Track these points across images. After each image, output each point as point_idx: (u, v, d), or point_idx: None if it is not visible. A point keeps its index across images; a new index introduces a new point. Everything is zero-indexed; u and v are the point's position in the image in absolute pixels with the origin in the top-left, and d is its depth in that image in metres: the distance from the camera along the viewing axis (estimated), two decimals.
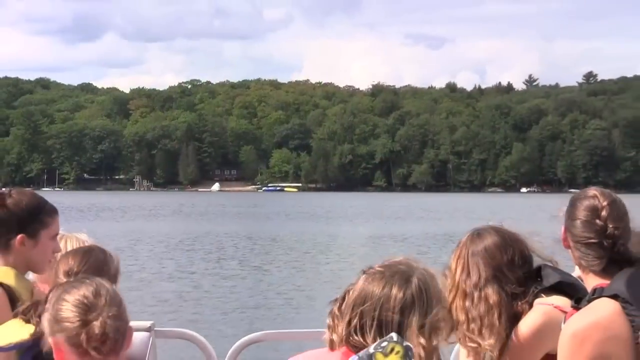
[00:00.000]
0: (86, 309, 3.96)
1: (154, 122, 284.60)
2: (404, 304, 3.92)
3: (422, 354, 3.89)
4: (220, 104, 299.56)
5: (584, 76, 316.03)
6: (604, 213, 4.64)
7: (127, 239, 55.29)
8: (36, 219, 5.87)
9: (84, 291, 4.04)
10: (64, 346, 3.99)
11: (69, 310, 3.98)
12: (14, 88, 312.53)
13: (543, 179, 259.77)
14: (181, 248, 55.10)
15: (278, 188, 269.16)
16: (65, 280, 4.90)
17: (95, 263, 5.19)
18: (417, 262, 4.16)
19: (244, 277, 37.91)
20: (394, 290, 3.93)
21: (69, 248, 5.82)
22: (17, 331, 5.00)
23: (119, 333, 3.99)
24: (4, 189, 6.07)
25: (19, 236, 5.74)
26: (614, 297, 4.43)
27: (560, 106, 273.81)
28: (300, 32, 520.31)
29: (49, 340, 4.10)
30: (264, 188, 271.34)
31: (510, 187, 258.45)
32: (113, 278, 5.17)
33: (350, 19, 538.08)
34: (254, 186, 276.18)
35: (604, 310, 4.43)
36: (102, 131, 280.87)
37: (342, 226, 75.98)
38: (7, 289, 5.51)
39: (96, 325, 3.93)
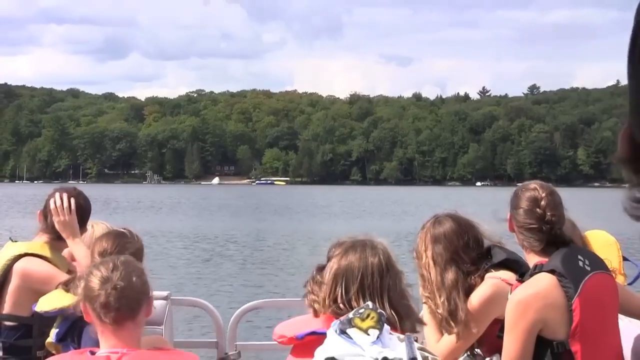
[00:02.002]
0: (103, 282, 4.02)
1: (164, 126, 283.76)
2: (380, 268, 4.03)
3: (405, 313, 4.01)
4: (221, 110, 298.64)
5: (529, 88, 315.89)
6: (543, 203, 4.74)
7: (146, 224, 55.11)
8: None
9: (105, 267, 4.11)
10: (90, 311, 4.06)
11: (93, 281, 4.05)
12: (48, 97, 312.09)
13: (495, 175, 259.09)
14: (191, 231, 55.01)
15: (269, 181, 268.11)
16: (99, 259, 5.01)
17: (123, 244, 5.24)
18: (374, 236, 4.29)
19: (244, 254, 37.86)
20: (370, 259, 4.04)
21: (97, 233, 5.85)
22: (60, 299, 5.07)
23: (131, 299, 4.05)
24: (62, 186, 6.11)
25: (83, 228, 5.83)
26: (552, 272, 4.54)
27: (509, 113, 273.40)
28: (292, 52, 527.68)
29: (81, 305, 4.16)
30: (257, 181, 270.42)
31: (467, 181, 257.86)
32: (138, 255, 5.23)
33: (333, 41, 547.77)
34: (248, 180, 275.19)
35: (543, 283, 4.54)
36: (120, 133, 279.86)
37: (323, 215, 75.74)
38: (46, 260, 5.57)
39: (102, 295, 3.99)
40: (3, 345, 5.56)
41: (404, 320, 4.04)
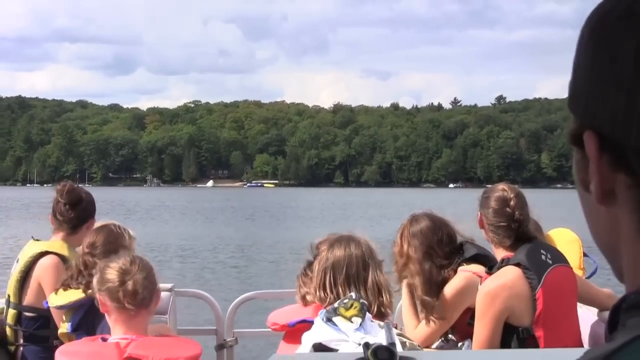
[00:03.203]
0: (123, 273, 4.09)
1: (163, 133, 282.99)
2: (363, 259, 4.11)
3: (385, 300, 4.08)
4: (215, 119, 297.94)
5: (496, 98, 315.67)
6: (512, 203, 4.78)
7: (147, 222, 55.10)
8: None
9: (123, 261, 4.18)
10: (107, 301, 4.11)
11: (111, 274, 4.10)
12: (59, 107, 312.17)
13: (466, 177, 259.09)
14: (191, 227, 55.12)
15: (259, 184, 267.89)
16: (87, 251, 5.14)
17: (110, 237, 5.25)
18: (356, 232, 4.38)
19: (241, 251, 37.82)
20: (354, 251, 4.13)
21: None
22: (70, 294, 5.10)
23: (148, 291, 4.12)
24: (62, 183, 6.11)
25: (91, 220, 5.85)
26: (517, 265, 4.60)
27: (479, 120, 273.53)
28: (282, 67, 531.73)
29: (97, 296, 4.22)
30: (248, 184, 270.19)
31: (440, 183, 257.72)
32: (128, 246, 5.26)
33: (320, 57, 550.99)
34: (241, 183, 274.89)
35: (510, 275, 4.59)
36: (123, 140, 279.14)
37: (309, 215, 75.66)
38: (62, 258, 5.60)
39: (129, 284, 4.06)
40: (24, 334, 5.60)
41: (381, 305, 4.12)
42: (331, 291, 4.07)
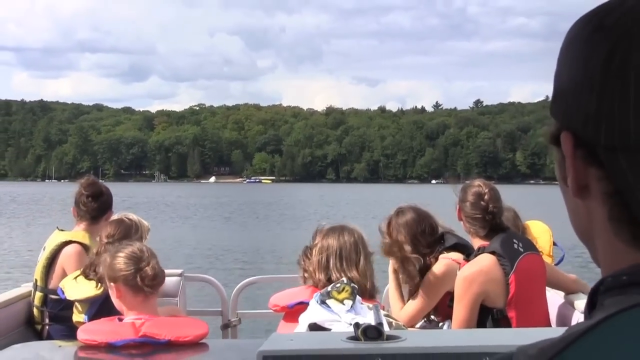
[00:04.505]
0: (138, 260, 4.13)
1: (170, 134, 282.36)
2: (354, 245, 4.20)
3: (368, 284, 4.16)
4: (218, 120, 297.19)
5: (474, 102, 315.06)
6: (487, 197, 4.82)
7: (159, 213, 55.05)
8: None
9: (132, 249, 4.21)
10: (122, 288, 4.14)
11: (124, 262, 4.14)
12: (77, 110, 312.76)
13: (447, 174, 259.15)
14: (198, 217, 55.15)
15: (257, 180, 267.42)
16: (105, 241, 5.10)
17: (126, 228, 5.26)
18: (349, 222, 4.48)
19: (243, 238, 37.82)
20: (346, 238, 4.23)
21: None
22: (88, 288, 5.10)
23: (152, 277, 4.16)
24: (85, 177, 6.16)
25: (109, 212, 5.90)
26: (492, 253, 4.64)
27: (458, 122, 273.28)
28: (281, 75, 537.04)
29: (108, 284, 4.26)
30: (247, 180, 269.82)
31: (424, 179, 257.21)
32: (143, 237, 5.31)
33: (315, 66, 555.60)
34: (240, 179, 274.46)
35: (485, 262, 4.64)
36: (133, 140, 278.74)
37: (305, 208, 75.53)
38: (85, 247, 5.65)
39: (148, 269, 4.11)
40: (49, 315, 5.65)
41: (371, 289, 4.22)
42: (326, 273, 4.16)
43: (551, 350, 0.85)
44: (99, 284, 4.91)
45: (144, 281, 4.10)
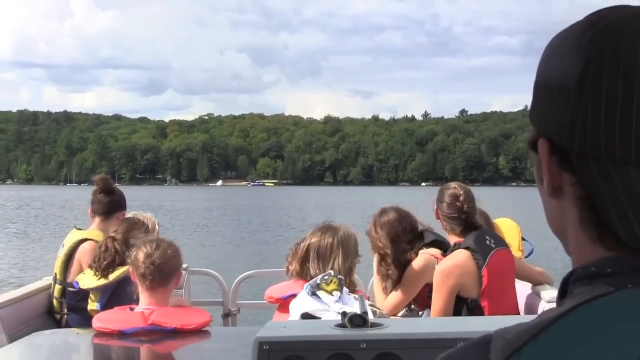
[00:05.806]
0: (148, 255, 4.20)
1: (181, 141, 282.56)
2: (332, 246, 4.26)
3: (345, 281, 4.22)
4: (225, 129, 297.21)
5: (460, 111, 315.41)
6: (461, 198, 4.84)
7: (174, 213, 54.99)
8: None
9: (149, 244, 4.29)
10: (135, 276, 4.24)
11: (140, 254, 4.22)
12: (97, 120, 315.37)
13: (436, 177, 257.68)
14: (203, 217, 54.95)
15: (261, 183, 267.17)
16: (111, 235, 5.23)
17: (130, 224, 5.30)
18: (344, 224, 4.53)
19: (244, 236, 37.70)
20: (327, 239, 4.29)
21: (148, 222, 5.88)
22: (95, 277, 5.17)
23: (163, 273, 4.19)
24: (99, 176, 6.19)
25: (122, 212, 5.95)
26: (467, 248, 4.67)
27: (446, 129, 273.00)
28: (284, 88, 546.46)
29: (130, 269, 4.35)
30: (252, 183, 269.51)
31: (414, 182, 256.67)
32: (148, 232, 5.31)
33: (315, 80, 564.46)
34: (245, 182, 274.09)
35: (461, 256, 4.67)
36: (147, 147, 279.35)
37: (303, 209, 75.42)
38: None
39: (141, 267, 4.18)
40: (67, 305, 5.68)
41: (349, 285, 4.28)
42: (305, 266, 4.25)
43: (526, 334, 0.87)
44: (105, 275, 5.07)
45: (146, 273, 4.18)
